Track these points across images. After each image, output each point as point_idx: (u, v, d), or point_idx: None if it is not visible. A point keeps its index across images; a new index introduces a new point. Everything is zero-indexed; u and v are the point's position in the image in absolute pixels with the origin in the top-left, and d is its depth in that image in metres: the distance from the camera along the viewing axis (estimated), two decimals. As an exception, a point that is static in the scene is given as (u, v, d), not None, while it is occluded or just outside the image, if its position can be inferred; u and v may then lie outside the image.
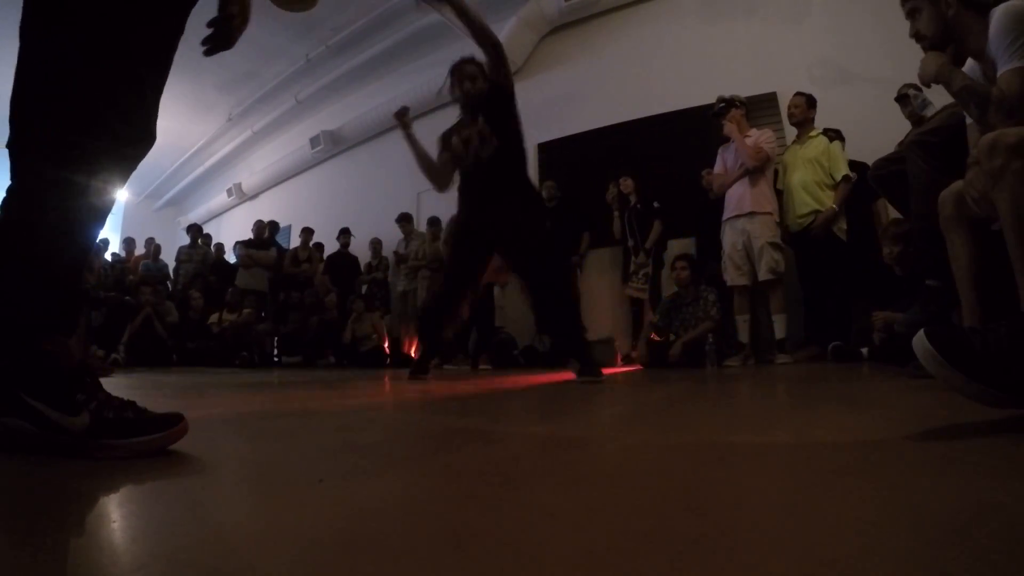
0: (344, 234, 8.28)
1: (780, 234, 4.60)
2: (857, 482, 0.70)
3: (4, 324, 0.96)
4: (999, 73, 1.67)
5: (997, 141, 1.60)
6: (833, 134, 4.74)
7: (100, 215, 1.07)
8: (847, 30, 5.61)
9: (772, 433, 1.16)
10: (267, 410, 1.87)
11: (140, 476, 0.82)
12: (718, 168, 4.83)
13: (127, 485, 0.78)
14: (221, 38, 1.28)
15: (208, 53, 1.30)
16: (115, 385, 3.17)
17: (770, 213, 4.55)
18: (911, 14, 1.96)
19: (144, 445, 0.95)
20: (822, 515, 0.57)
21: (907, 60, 4.57)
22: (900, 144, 3.93)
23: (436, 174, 3.44)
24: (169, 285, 8.69)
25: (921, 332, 0.99)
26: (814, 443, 1.00)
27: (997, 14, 1.73)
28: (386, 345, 7.47)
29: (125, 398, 1.03)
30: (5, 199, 0.99)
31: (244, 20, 1.30)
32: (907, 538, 0.48)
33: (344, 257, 8.26)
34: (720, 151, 4.86)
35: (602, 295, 6.31)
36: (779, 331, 4.51)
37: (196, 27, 1.15)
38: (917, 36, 1.98)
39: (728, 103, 4.73)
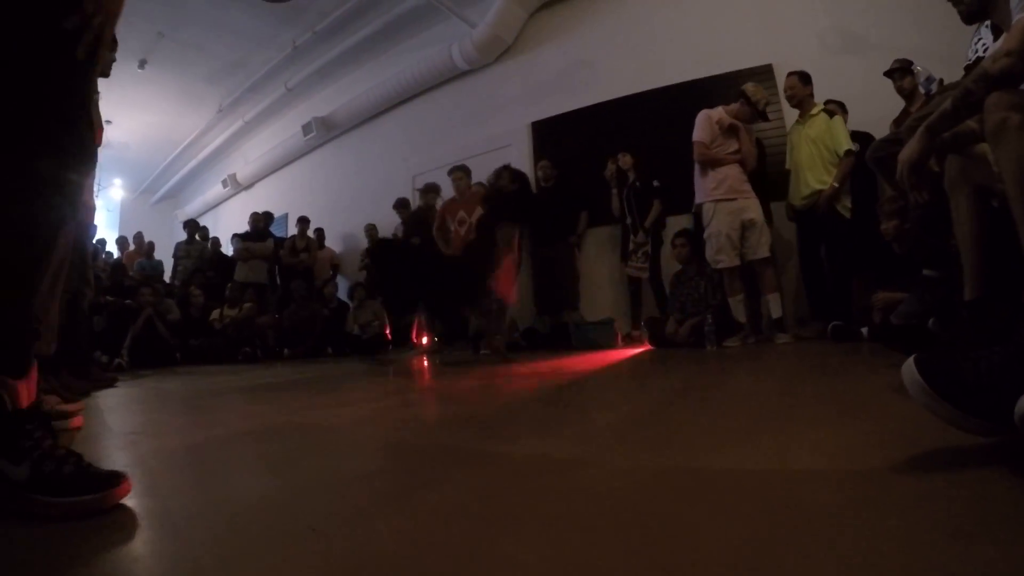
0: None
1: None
2: (833, 532, 0.69)
3: None
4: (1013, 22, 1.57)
5: (999, 98, 1.54)
6: (835, 107, 4.63)
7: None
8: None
9: (755, 453, 1.14)
10: (265, 427, 1.88)
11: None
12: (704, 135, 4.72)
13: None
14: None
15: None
16: (120, 395, 3.20)
17: (756, 196, 4.57)
18: None
19: (78, 507, 0.90)
20: None
21: (918, 26, 4.49)
22: (895, 122, 3.85)
23: None
24: (166, 281, 8.70)
25: (910, 360, 0.95)
26: (795, 471, 0.99)
27: None
28: (388, 331, 7.52)
29: (70, 449, 0.98)
30: None
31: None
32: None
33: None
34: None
35: (601, 274, 6.27)
36: (775, 311, 4.47)
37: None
38: (954, 0, 1.91)
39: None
